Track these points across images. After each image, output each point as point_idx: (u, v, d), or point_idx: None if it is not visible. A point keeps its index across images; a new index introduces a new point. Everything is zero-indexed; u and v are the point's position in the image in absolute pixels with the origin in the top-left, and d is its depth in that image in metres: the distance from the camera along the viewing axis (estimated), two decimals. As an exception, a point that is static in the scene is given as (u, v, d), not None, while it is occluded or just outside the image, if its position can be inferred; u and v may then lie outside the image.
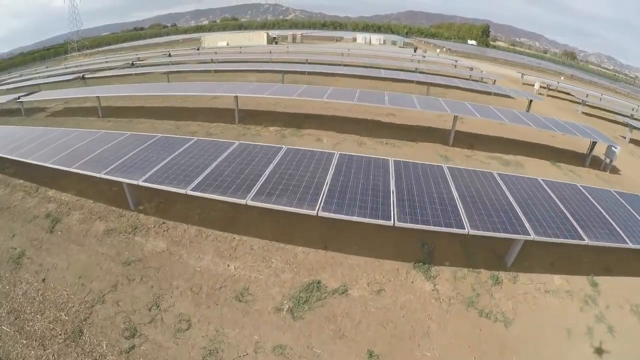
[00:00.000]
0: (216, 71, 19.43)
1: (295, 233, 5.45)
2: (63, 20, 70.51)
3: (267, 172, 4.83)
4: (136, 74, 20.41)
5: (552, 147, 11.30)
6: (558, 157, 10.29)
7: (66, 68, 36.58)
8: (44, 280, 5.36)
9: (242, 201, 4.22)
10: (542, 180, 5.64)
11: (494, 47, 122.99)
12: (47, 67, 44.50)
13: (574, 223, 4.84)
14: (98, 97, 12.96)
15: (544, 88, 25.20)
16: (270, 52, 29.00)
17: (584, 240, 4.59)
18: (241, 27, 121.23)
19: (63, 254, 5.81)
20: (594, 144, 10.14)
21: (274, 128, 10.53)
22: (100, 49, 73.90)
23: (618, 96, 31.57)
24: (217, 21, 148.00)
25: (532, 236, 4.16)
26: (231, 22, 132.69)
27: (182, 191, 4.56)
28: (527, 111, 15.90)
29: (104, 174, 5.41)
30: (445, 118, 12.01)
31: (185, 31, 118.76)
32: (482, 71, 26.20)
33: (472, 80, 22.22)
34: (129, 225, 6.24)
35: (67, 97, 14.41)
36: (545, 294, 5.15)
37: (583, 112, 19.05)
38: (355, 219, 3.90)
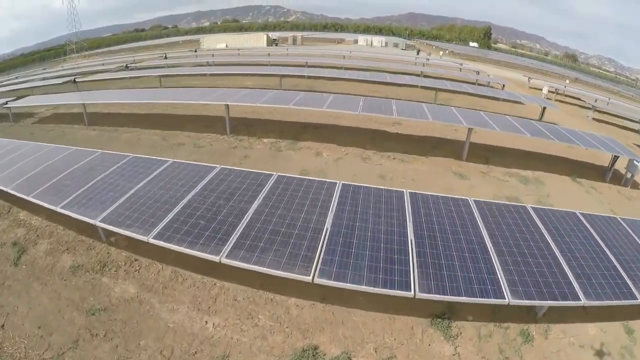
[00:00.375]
0: (212, 75, 18.59)
1: (288, 280, 4.56)
2: (64, 21, 69.92)
3: (251, 211, 3.94)
4: (129, 78, 19.60)
5: (570, 159, 10.44)
6: (577, 171, 9.41)
7: (63, 70, 36.02)
8: (2, 326, 4.57)
9: (215, 258, 3.33)
10: (580, 214, 4.76)
11: (496, 49, 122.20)
12: (44, 68, 44.05)
13: (624, 274, 3.96)
14: (84, 104, 12.26)
15: (552, 93, 24.32)
16: (269, 55, 28.18)
17: (637, 299, 3.71)
18: (242, 28, 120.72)
19: (25, 294, 5.00)
20: (615, 157, 9.28)
21: (268, 140, 9.64)
22: (99, 51, 73.39)
23: (623, 99, 30.80)
24: (218, 23, 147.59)
25: (583, 301, 3.28)
26: (232, 24, 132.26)
27: (144, 238, 3.69)
28: (540, 119, 15.03)
29: (61, 208, 4.55)
30: (456, 127, 11.14)
31: (186, 32, 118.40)
32: (489, 75, 25.30)
33: (478, 84, 21.31)
34: (97, 261, 5.40)
35: (54, 103, 13.84)
36: (580, 349, 4.30)
37: (594, 119, 18.20)
38: (363, 288, 2.98)
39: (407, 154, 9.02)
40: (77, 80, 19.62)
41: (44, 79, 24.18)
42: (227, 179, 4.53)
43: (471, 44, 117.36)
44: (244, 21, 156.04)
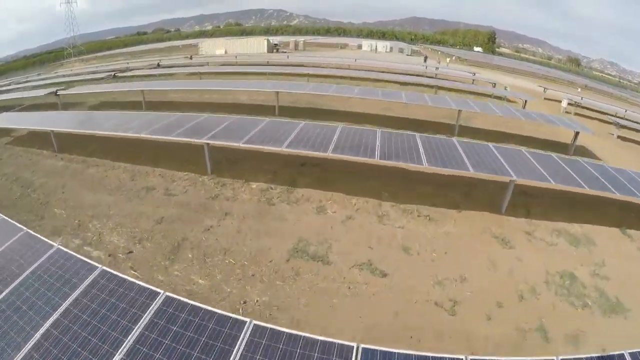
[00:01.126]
0: (202, 90, 16.67)
1: None
2: (65, 24, 68.40)
3: None
4: (113, 91, 17.85)
5: (614, 201, 8.56)
6: (625, 220, 7.65)
7: (55, 76, 34.66)
8: None
9: None
10: None
11: (500, 54, 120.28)
12: (39, 74, 42.96)
13: None
14: (52, 131, 10.68)
15: (572, 105, 22.43)
16: (268, 63, 26.38)
17: None
18: (244, 32, 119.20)
19: None
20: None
21: (258, 184, 7.69)
22: (99, 54, 72.08)
23: (635, 109, 29.01)
24: (221, 26, 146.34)
25: None
26: (234, 28, 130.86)
27: None
28: (573, 144, 13.08)
29: None
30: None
31: (188, 36, 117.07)
32: (506, 88, 23.39)
33: (495, 97, 19.46)
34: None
35: (22, 127, 12.42)
36: None
37: (619, 137, 16.33)
38: None
39: (434, 207, 7.06)
40: (59, 92, 17.94)
41: (33, 88, 22.70)
42: (168, 332, 2.61)
43: (475, 48, 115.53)
44: (246, 25, 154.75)
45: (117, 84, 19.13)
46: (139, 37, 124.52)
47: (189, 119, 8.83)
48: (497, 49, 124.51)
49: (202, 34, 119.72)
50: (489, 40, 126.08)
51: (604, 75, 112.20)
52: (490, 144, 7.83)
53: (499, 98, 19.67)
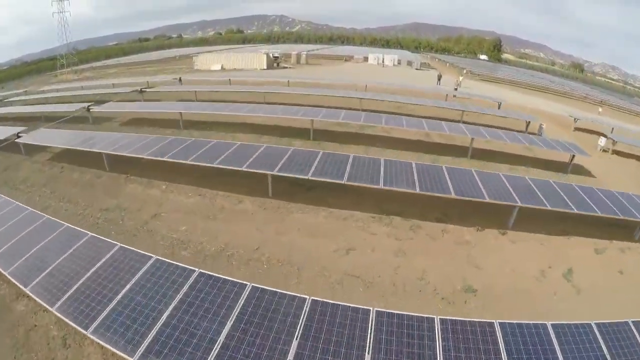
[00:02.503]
0: (174, 160, 12.41)
1: None
2: (68, 30, 65.76)
3: None
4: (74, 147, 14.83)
5: None
6: None
7: (38, 98, 31.88)
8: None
9: None
10: None
11: (505, 61, 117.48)
12: (25, 90, 40.54)
13: None
14: None
15: (609, 140, 19.38)
16: (264, 99, 23.37)
17: None
18: (245, 40, 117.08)
19: None
20: None
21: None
22: (95, 64, 69.56)
23: None
24: (222, 33, 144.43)
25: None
26: (235, 35, 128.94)
27: None
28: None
29: None
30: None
31: (189, 43, 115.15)
32: (541, 126, 20.21)
33: (533, 142, 16.17)
34: None
35: None
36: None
37: None
38: None
39: None
40: (20, 135, 15.33)
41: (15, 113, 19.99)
42: None
43: (481, 56, 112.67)
44: (248, 31, 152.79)
45: (82, 134, 15.68)
46: (139, 43, 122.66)
47: (134, 267, 5.71)
48: (501, 56, 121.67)
49: (203, 42, 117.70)
50: (494, 47, 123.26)
51: (607, 81, 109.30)
52: (594, 324, 4.64)
53: (533, 144, 16.41)
